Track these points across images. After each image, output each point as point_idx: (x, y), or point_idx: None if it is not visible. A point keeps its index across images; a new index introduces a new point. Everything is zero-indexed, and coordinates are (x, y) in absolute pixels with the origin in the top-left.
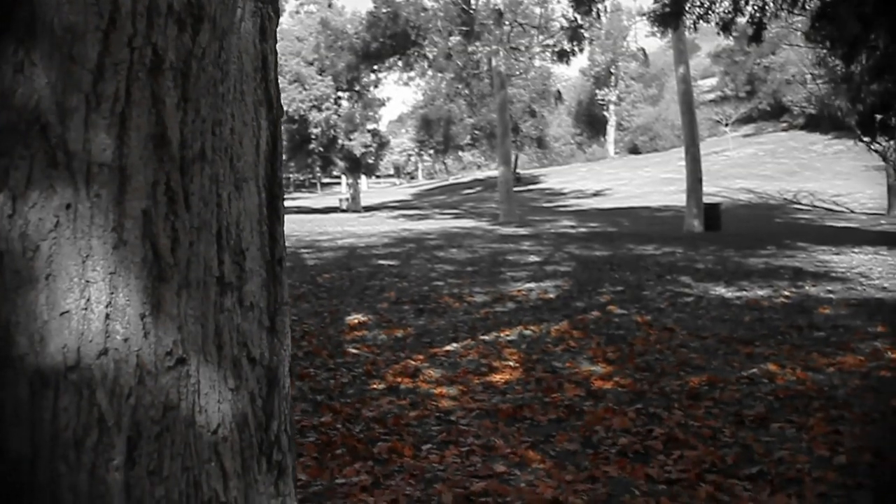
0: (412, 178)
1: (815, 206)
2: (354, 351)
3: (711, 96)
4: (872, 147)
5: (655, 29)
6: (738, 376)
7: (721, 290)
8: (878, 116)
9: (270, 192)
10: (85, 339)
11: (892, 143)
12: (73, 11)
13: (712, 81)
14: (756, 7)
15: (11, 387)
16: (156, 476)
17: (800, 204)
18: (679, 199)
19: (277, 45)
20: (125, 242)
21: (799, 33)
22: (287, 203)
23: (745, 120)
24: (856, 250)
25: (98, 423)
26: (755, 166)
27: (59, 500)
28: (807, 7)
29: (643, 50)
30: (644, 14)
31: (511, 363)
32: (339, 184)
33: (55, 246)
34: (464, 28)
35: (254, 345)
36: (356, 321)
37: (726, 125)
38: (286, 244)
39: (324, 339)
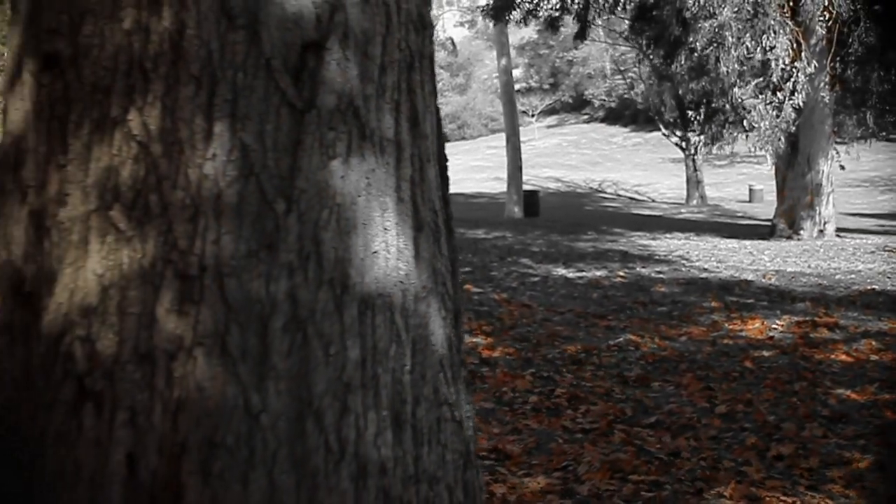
0: None
1: (619, 195)
2: None
3: (517, 87)
4: (680, 142)
5: (464, 20)
6: (607, 345)
7: (562, 271)
8: (690, 113)
9: (441, 165)
10: (386, 274)
11: (700, 138)
12: (366, 19)
13: (517, 73)
14: (580, 6)
15: (349, 308)
16: (423, 380)
17: (605, 193)
18: (491, 186)
19: None
20: (402, 200)
21: (600, 30)
22: None
23: (549, 111)
24: (668, 236)
25: (396, 337)
26: (560, 156)
27: (378, 396)
28: (626, 8)
29: (451, 40)
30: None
31: None
32: None
33: (366, 200)
34: None
35: (447, 284)
36: None
37: (532, 116)
38: None
39: None
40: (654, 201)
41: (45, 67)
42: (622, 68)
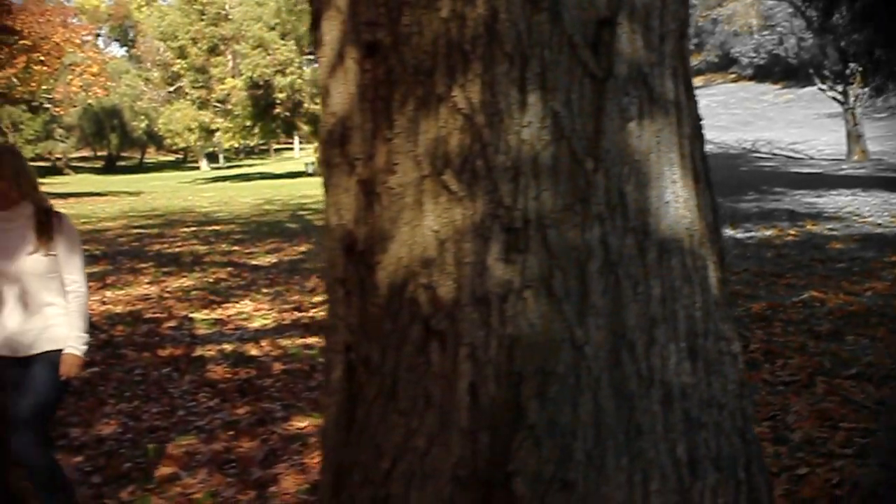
0: None
1: (774, 154)
2: None
3: None
4: (839, 96)
5: None
6: (791, 301)
7: (730, 232)
8: (851, 65)
9: (696, 128)
10: (676, 221)
11: (864, 90)
12: None
13: None
14: None
15: (650, 252)
16: (707, 316)
17: (759, 152)
18: None
19: (237, 11)
20: (683, 156)
21: None
22: (247, 170)
23: (695, 72)
24: (833, 192)
25: (688, 278)
26: (710, 117)
27: (677, 329)
28: None
29: None
30: None
31: None
32: (291, 149)
33: (657, 157)
34: None
35: (713, 231)
36: None
37: None
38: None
39: None
40: (812, 159)
41: (367, 55)
42: (771, 23)
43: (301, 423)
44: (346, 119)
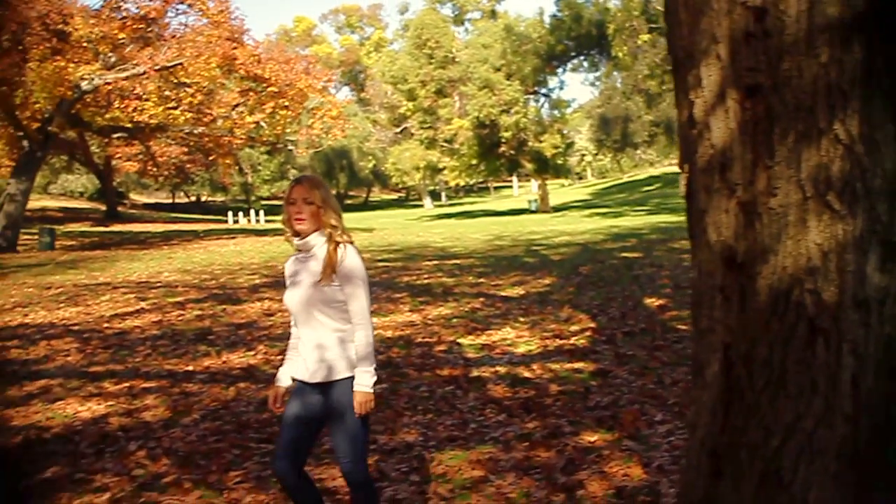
0: (580, 177)
1: None
2: (682, 327)
3: None
4: None
5: None
6: None
7: None
8: None
9: None
10: None
11: None
12: None
13: None
14: None
15: None
16: None
17: None
18: None
19: (464, 54)
20: None
21: None
22: (469, 207)
23: None
24: None
25: None
26: None
27: None
28: None
29: None
30: None
31: None
32: (509, 187)
33: None
34: (653, 25)
35: None
36: (656, 303)
37: None
38: (500, 243)
39: (643, 319)
40: None
41: (747, 95)
42: None
43: (591, 438)
44: (727, 150)
